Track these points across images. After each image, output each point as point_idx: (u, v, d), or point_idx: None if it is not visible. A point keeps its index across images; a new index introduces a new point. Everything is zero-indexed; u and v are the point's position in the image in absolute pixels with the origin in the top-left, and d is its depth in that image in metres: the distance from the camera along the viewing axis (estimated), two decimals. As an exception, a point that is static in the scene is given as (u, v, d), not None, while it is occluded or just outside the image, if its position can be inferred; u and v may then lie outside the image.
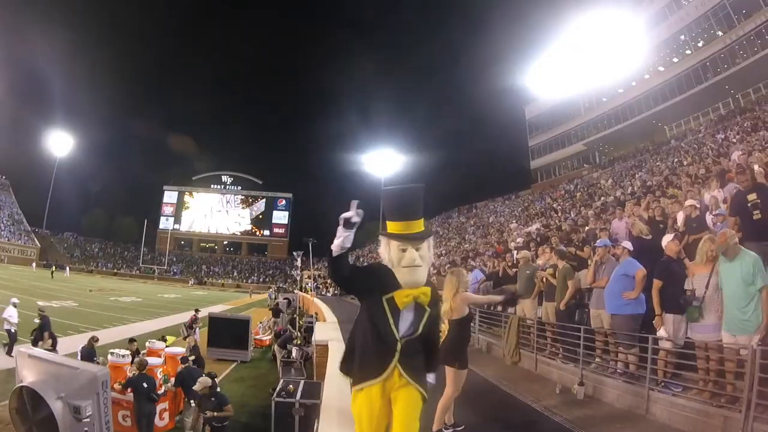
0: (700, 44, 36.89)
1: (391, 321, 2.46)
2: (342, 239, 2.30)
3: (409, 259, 2.44)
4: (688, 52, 38.00)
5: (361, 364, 2.56)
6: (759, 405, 4.19)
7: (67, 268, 55.09)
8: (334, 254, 2.32)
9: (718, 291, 5.00)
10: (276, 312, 23.06)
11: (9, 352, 11.76)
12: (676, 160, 22.32)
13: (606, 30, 39.51)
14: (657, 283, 5.58)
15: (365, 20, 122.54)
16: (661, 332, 5.42)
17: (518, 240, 14.99)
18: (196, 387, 7.87)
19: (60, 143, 74.65)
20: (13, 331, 12.67)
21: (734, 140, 17.70)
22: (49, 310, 14.60)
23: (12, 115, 66.64)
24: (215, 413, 7.43)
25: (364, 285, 2.53)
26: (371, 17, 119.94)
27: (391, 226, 2.54)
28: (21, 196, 73.12)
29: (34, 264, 56.38)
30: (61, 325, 16.33)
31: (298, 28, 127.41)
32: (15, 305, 13.38)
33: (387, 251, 2.58)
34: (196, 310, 19.32)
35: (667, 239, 5.75)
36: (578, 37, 41.95)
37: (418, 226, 2.51)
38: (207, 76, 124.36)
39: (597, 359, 6.72)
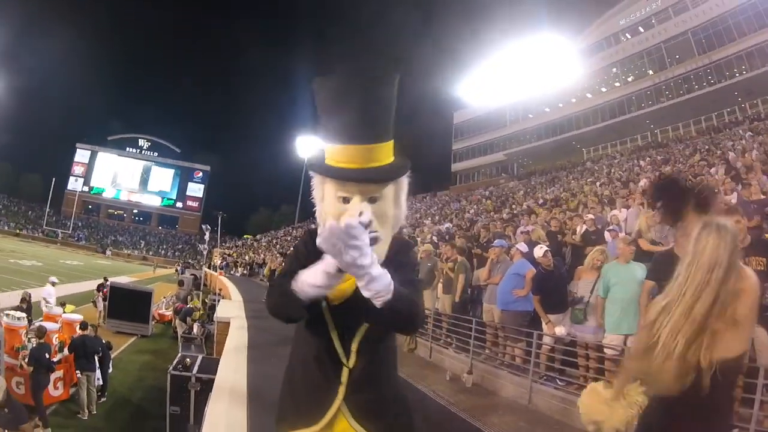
0: (630, 79, 39.55)
1: (332, 329, 1.41)
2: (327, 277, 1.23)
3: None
4: (617, 84, 40.62)
5: (292, 403, 1.49)
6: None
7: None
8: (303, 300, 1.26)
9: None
10: (197, 285, 22.74)
11: None
12: (588, 180, 23.65)
13: (543, 52, 41.04)
14: (535, 298, 6.06)
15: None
16: (559, 329, 5.75)
17: (428, 237, 15.41)
18: None
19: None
20: None
21: (645, 170, 18.96)
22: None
23: None
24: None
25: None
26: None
27: (332, 154, 1.37)
28: None
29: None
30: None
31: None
32: (54, 284, 12.97)
33: (320, 199, 1.44)
34: (105, 279, 18.56)
35: (538, 252, 6.20)
36: (515, 54, 43.23)
37: (381, 154, 1.35)
38: (135, 36, 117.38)
39: (487, 351, 7.11)
